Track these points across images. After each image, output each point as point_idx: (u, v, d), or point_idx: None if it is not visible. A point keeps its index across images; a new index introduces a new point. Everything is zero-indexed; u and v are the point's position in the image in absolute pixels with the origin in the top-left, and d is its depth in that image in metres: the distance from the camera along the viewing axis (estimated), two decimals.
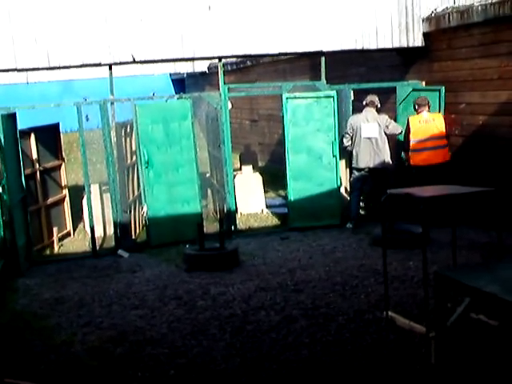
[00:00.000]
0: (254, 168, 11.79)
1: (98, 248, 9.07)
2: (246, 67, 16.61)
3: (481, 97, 9.00)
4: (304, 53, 9.91)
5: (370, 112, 9.40)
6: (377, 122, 9.31)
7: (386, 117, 9.40)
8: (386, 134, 9.35)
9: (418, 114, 9.14)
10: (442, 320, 4.10)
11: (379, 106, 9.43)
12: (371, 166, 9.36)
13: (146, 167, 9.01)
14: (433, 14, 9.65)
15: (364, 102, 9.47)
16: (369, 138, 9.32)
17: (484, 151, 9.02)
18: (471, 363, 4.39)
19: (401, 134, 9.48)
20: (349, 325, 5.71)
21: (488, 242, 7.78)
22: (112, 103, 9.03)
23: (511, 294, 3.51)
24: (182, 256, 8.07)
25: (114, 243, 9.10)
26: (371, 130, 9.33)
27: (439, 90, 9.37)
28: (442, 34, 9.57)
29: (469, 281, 3.85)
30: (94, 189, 9.67)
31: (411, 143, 9.09)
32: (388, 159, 9.38)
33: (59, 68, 8.84)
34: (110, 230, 9.49)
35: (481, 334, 4.98)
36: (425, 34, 9.79)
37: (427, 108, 9.12)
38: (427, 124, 9.04)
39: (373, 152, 9.31)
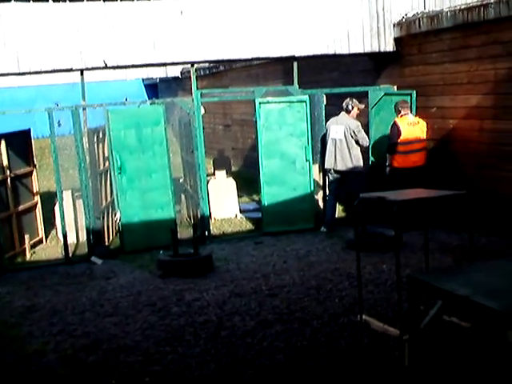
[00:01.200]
0: (227, 173, 11.78)
1: (70, 255, 8.98)
2: (219, 72, 16.61)
3: (451, 101, 9.11)
4: (276, 58, 9.95)
5: (342, 115, 9.49)
6: (344, 125, 9.37)
7: (357, 124, 9.42)
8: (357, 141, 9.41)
9: (400, 116, 9.17)
10: (416, 323, 4.13)
11: (350, 108, 9.44)
12: (335, 167, 9.41)
13: (119, 173, 8.95)
14: (404, 19, 9.75)
15: None
16: (334, 139, 9.40)
17: (455, 154, 9.13)
18: (444, 365, 4.43)
19: (367, 146, 9.58)
20: (324, 329, 5.72)
21: (460, 244, 7.88)
22: (84, 109, 8.96)
23: (482, 297, 3.55)
24: (156, 262, 8.03)
25: (87, 250, 9.02)
26: (336, 131, 9.42)
27: (410, 94, 9.46)
28: (413, 39, 9.66)
29: (441, 284, 3.88)
30: (67, 195, 9.57)
31: (399, 145, 9.07)
32: (356, 163, 9.41)
33: (30, 73, 8.74)
34: (83, 237, 9.40)
35: (453, 336, 5.02)
36: (396, 39, 9.88)
37: (410, 110, 9.20)
38: (414, 126, 9.09)
39: (337, 154, 9.37)
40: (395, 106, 9.28)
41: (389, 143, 9.26)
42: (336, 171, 9.46)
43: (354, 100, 9.50)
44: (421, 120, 9.19)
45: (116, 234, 9.82)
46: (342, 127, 9.38)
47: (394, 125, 9.12)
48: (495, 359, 3.74)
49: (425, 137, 9.14)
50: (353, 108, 9.45)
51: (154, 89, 22.54)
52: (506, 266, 4.28)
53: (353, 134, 9.33)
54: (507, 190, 8.28)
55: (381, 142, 9.82)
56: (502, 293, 3.67)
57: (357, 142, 9.39)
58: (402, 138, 9.02)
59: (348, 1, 9.57)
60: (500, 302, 3.45)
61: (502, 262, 4.53)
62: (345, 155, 9.36)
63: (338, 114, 9.55)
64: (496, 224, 8.27)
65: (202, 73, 16.75)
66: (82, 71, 8.85)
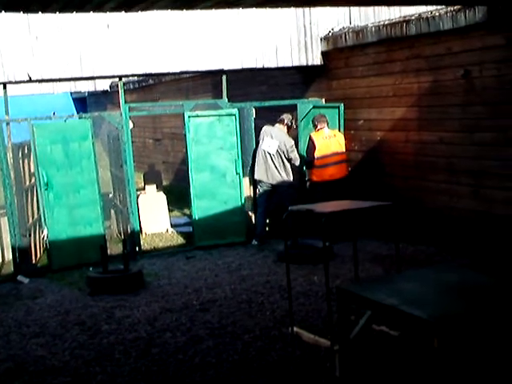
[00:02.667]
0: (158, 187, 11.67)
1: None
2: (149, 86, 16.48)
3: (378, 113, 9.31)
4: (206, 71, 9.93)
5: (277, 129, 9.52)
6: (279, 141, 9.42)
7: (292, 143, 9.48)
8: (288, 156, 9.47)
9: (317, 131, 9.31)
10: (345, 333, 4.17)
11: (290, 125, 9.55)
12: (265, 180, 9.45)
13: (46, 189, 8.73)
14: (330, 34, 9.91)
15: (278, 119, 9.62)
16: (267, 152, 9.44)
17: (382, 166, 9.32)
18: (374, 373, 4.48)
19: (300, 164, 9.64)
20: (255, 343, 5.70)
21: (389, 254, 8.01)
22: (8, 123, 8.72)
23: (409, 306, 3.61)
24: (85, 279, 7.85)
25: (13, 269, 8.73)
26: (269, 145, 9.45)
27: (338, 107, 9.59)
28: (340, 53, 9.83)
29: (369, 294, 3.93)
30: None
31: (316, 160, 9.21)
32: (287, 177, 9.47)
33: None
34: (9, 255, 9.11)
35: (383, 344, 5.10)
36: (323, 53, 10.03)
37: (327, 124, 9.33)
38: (330, 140, 9.23)
39: (269, 167, 9.41)
40: (312, 121, 9.44)
41: (305, 159, 9.40)
42: (267, 183, 9.50)
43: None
44: (338, 133, 9.37)
45: (44, 251, 9.56)
46: (276, 142, 9.41)
47: (309, 140, 9.27)
48: (423, 366, 3.80)
49: (343, 149, 9.30)
50: (291, 125, 9.58)
51: (82, 102, 22.16)
52: (432, 274, 4.37)
53: (286, 152, 9.38)
54: (432, 199, 8.50)
55: None
56: (429, 301, 3.75)
57: (289, 160, 9.46)
58: (317, 152, 9.16)
59: (276, 15, 9.65)
60: (426, 311, 3.52)
61: (428, 271, 4.63)
62: (277, 169, 9.40)
63: (272, 125, 9.59)
64: (423, 233, 8.47)
65: (131, 86, 16.59)
66: (4, 84, 8.61)
